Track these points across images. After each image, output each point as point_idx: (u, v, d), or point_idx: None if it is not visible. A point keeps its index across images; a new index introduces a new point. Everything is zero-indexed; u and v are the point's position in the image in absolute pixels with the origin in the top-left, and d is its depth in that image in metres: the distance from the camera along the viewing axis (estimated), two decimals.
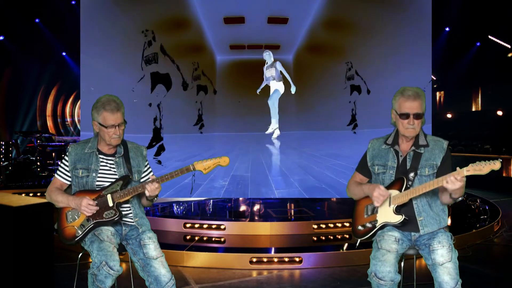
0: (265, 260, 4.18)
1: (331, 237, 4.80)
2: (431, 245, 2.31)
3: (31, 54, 11.43)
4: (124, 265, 2.87)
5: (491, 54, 12.76)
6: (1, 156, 8.43)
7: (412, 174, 2.40)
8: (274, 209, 5.87)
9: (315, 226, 5.04)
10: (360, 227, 2.50)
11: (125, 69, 6.01)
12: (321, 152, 6.56)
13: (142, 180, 2.62)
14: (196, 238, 4.79)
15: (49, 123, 14.07)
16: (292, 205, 6.27)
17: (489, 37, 12.63)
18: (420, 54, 5.94)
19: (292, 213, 6.00)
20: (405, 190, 2.37)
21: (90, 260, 2.35)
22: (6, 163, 8.38)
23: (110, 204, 2.45)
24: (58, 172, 2.58)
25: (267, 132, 6.47)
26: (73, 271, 2.76)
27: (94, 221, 2.44)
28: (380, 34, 6.24)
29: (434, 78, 13.81)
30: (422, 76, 5.94)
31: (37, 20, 11.34)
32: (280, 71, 6.45)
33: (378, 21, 6.24)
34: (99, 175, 2.52)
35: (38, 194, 6.73)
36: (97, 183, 2.50)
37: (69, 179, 2.56)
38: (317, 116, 6.70)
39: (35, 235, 3.25)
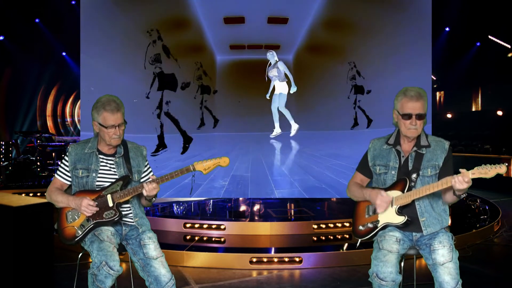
0: (265, 260, 4.18)
1: (331, 237, 4.80)
2: (432, 245, 2.31)
3: (31, 54, 11.43)
4: (124, 265, 2.87)
5: (491, 54, 12.76)
6: (1, 156, 8.43)
7: (414, 175, 2.39)
8: (274, 209, 5.87)
9: (315, 226, 5.04)
10: (361, 227, 2.50)
11: (125, 69, 6.01)
12: (321, 152, 6.55)
13: (142, 180, 2.62)
14: (196, 238, 4.79)
15: (49, 123, 14.07)
16: (292, 205, 6.27)
17: (489, 37, 12.62)
18: (420, 54, 5.94)
19: (292, 213, 6.00)
20: (407, 191, 2.36)
21: (90, 260, 2.35)
22: (6, 163, 8.38)
23: (110, 204, 2.45)
24: (58, 172, 2.58)
25: (272, 135, 6.50)
26: (73, 271, 2.76)
27: (94, 221, 2.44)
28: (380, 34, 6.24)
29: (434, 78, 13.81)
30: (422, 76, 5.94)
31: (37, 20, 11.33)
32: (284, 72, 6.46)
33: (378, 21, 6.24)
34: (99, 175, 2.51)
35: (38, 194, 6.73)
36: (97, 183, 2.50)
37: (69, 179, 2.56)
38: (317, 116, 6.69)
39: (35, 235, 3.25)
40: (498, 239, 5.19)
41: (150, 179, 2.56)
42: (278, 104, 6.49)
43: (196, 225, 5.07)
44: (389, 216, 2.40)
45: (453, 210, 5.86)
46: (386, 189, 2.43)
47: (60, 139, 9.95)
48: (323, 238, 4.81)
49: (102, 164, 2.54)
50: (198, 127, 6.36)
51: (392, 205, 2.40)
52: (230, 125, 6.52)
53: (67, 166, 2.55)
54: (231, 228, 5.03)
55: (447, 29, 12.42)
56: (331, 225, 5.06)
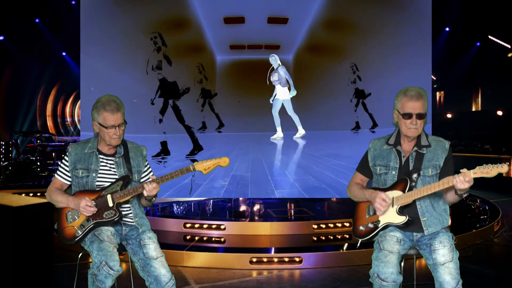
0: (265, 260, 4.18)
1: (331, 237, 4.80)
2: (432, 245, 2.31)
3: (31, 54, 11.43)
4: (124, 265, 2.87)
5: (491, 54, 12.76)
6: (1, 156, 8.43)
7: (415, 175, 2.39)
8: (274, 209, 5.87)
9: (315, 226, 5.04)
10: (361, 228, 2.50)
11: (125, 69, 6.01)
12: (321, 152, 6.56)
13: (142, 180, 2.62)
14: (196, 238, 4.79)
15: (49, 123, 14.07)
16: (292, 205, 6.27)
17: (489, 37, 12.62)
18: (420, 54, 5.95)
19: (292, 213, 5.99)
20: (408, 191, 2.36)
21: (90, 260, 2.35)
22: (6, 163, 8.38)
23: (110, 204, 2.45)
24: (58, 172, 2.58)
25: (296, 137, 6.51)
26: (73, 271, 2.76)
27: (94, 221, 2.44)
28: (380, 34, 6.24)
29: (434, 78, 13.81)
30: (422, 76, 5.94)
31: (37, 20, 11.33)
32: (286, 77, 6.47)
33: (378, 21, 6.24)
34: (99, 175, 2.51)
35: (38, 194, 6.73)
36: (97, 183, 2.50)
37: (69, 179, 2.56)
38: (317, 116, 6.69)
39: (35, 235, 3.25)
40: (498, 239, 5.19)
41: (150, 179, 2.56)
42: (287, 109, 6.50)
43: (196, 225, 5.07)
44: (390, 216, 2.40)
45: (453, 210, 5.83)
46: (387, 189, 2.43)
47: (60, 139, 9.95)
48: (323, 238, 4.81)
49: (102, 164, 2.54)
50: (199, 129, 6.36)
51: (393, 205, 2.39)
52: (230, 125, 6.52)
53: (67, 166, 2.55)
54: (231, 228, 5.02)
55: (447, 29, 12.42)
56: (331, 225, 5.06)
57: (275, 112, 6.50)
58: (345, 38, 6.58)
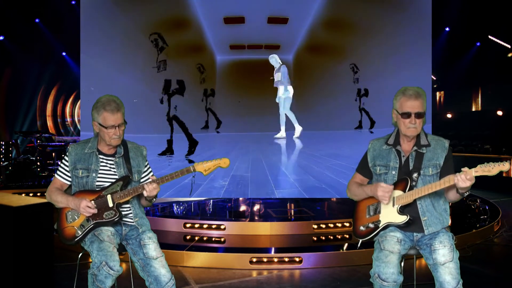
0: (265, 260, 4.18)
1: (331, 237, 4.80)
2: (433, 245, 2.31)
3: (31, 54, 11.43)
4: (124, 265, 2.87)
5: (491, 54, 12.76)
6: (1, 156, 8.42)
7: (415, 175, 2.39)
8: (274, 209, 5.86)
9: (315, 226, 5.04)
10: (362, 228, 2.49)
11: (125, 69, 6.01)
12: (321, 152, 6.56)
13: (142, 180, 2.62)
14: (196, 238, 4.79)
15: (49, 123, 14.07)
16: (292, 205, 6.27)
17: (489, 37, 12.63)
18: (420, 54, 5.95)
19: (292, 213, 5.99)
20: (409, 190, 2.36)
21: (90, 260, 2.35)
22: (6, 163, 8.38)
23: (110, 204, 2.45)
24: (58, 172, 2.58)
25: (295, 137, 6.51)
26: (73, 271, 2.76)
27: (94, 222, 2.44)
28: (380, 34, 6.24)
29: (434, 78, 13.80)
30: (422, 76, 5.94)
31: (37, 20, 11.33)
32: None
33: (378, 21, 6.24)
34: (99, 175, 2.51)
35: (38, 194, 6.72)
36: (97, 183, 2.50)
37: (69, 179, 2.56)
38: (317, 116, 6.70)
39: (35, 235, 3.25)
40: (498, 239, 5.18)
41: (150, 180, 2.56)
42: (284, 108, 6.50)
43: (196, 225, 5.07)
44: (390, 216, 2.40)
45: (453, 210, 5.83)
46: None
47: (60, 139, 9.95)
48: (323, 238, 4.81)
49: (102, 164, 2.54)
50: (202, 127, 6.37)
51: (393, 205, 2.39)
52: (230, 125, 6.53)
53: (67, 166, 2.55)
54: (231, 228, 5.02)
55: (447, 29, 12.42)
56: (331, 225, 5.06)
57: (281, 111, 6.49)
58: (345, 38, 6.58)
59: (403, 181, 2.39)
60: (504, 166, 2.08)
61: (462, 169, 2.14)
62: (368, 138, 2.64)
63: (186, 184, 5.86)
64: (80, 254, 2.60)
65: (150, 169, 2.67)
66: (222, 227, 5.01)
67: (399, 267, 2.28)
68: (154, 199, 2.54)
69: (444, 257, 2.24)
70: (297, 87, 6.50)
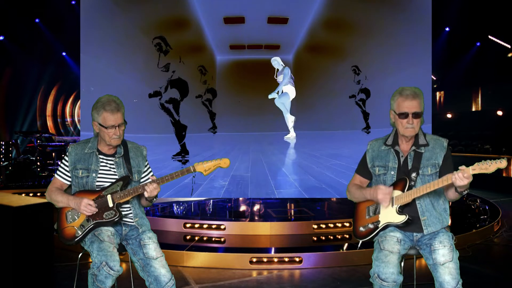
0: (265, 260, 4.18)
1: (331, 237, 4.80)
2: (432, 245, 2.31)
3: (31, 54, 11.44)
4: (124, 265, 2.87)
5: (491, 54, 12.77)
6: (1, 156, 8.43)
7: (414, 174, 2.40)
8: (274, 209, 5.87)
9: (315, 226, 5.04)
10: (362, 228, 2.50)
11: (125, 69, 6.01)
12: (321, 152, 6.56)
13: (142, 180, 2.62)
14: (196, 238, 4.79)
15: (49, 123, 14.08)
16: (292, 205, 6.27)
17: (489, 37, 12.63)
18: (420, 54, 5.95)
19: (292, 213, 6.00)
20: (408, 190, 2.36)
21: (90, 260, 2.35)
22: (6, 163, 8.38)
23: (110, 204, 2.45)
24: (58, 172, 2.58)
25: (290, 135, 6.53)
26: (73, 271, 2.76)
27: (94, 222, 2.44)
28: (380, 34, 6.24)
29: (434, 78, 13.81)
30: (422, 76, 5.94)
31: (37, 20, 11.34)
32: (291, 76, 6.47)
33: (378, 21, 6.24)
34: (99, 175, 2.51)
35: (38, 194, 6.73)
36: (97, 183, 2.50)
37: (69, 179, 2.56)
38: (317, 116, 6.70)
39: (35, 235, 3.25)
40: (498, 239, 5.18)
41: (150, 180, 2.56)
42: (278, 99, 6.48)
43: (196, 225, 5.07)
44: (390, 216, 2.40)
45: (453, 210, 5.85)
46: None
47: (60, 139, 9.95)
48: (323, 238, 4.81)
49: (102, 164, 2.54)
50: (210, 129, 6.38)
51: (392, 205, 2.40)
52: (230, 125, 6.52)
53: (67, 166, 2.55)
54: (231, 228, 5.02)
55: (447, 29, 12.42)
56: (331, 225, 5.06)
57: (278, 102, 6.49)
58: (345, 38, 6.58)
59: (401, 181, 2.40)
60: (501, 163, 2.08)
61: (460, 167, 2.14)
62: (368, 138, 2.64)
63: (186, 184, 5.86)
64: (80, 254, 2.60)
65: (150, 169, 2.67)
66: (222, 227, 5.01)
67: (398, 267, 2.28)
68: (154, 199, 2.54)
69: (444, 257, 2.24)
70: (297, 87, 6.50)
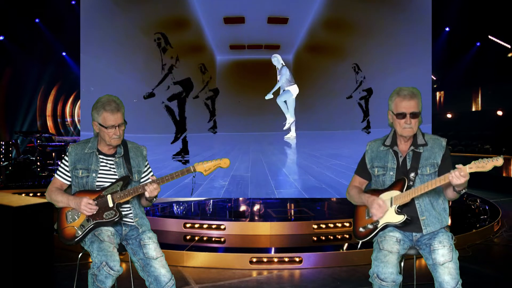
0: (265, 260, 4.18)
1: (331, 237, 4.80)
2: (432, 245, 2.31)
3: (31, 54, 11.44)
4: (124, 265, 2.87)
5: (491, 54, 12.77)
6: (1, 156, 8.43)
7: (413, 174, 2.40)
8: (274, 209, 5.87)
9: (315, 226, 5.04)
10: (361, 229, 2.50)
11: (125, 69, 6.01)
12: (321, 152, 6.56)
13: (142, 180, 2.62)
14: (196, 238, 4.79)
15: (49, 123, 14.08)
16: (292, 205, 6.27)
17: (489, 37, 12.63)
18: (420, 54, 5.95)
19: (292, 213, 6.00)
20: (406, 190, 2.37)
21: (90, 260, 2.35)
22: (6, 163, 8.38)
23: (110, 204, 2.45)
24: (58, 172, 2.58)
25: (285, 128, 6.50)
26: (73, 271, 2.76)
27: (94, 222, 2.44)
28: (380, 34, 6.24)
29: (434, 78, 13.81)
30: (422, 76, 5.94)
31: (37, 20, 11.34)
32: (291, 75, 6.47)
33: (378, 21, 6.24)
34: (99, 175, 2.51)
35: (38, 194, 6.73)
36: (97, 183, 2.50)
37: (69, 179, 2.56)
38: (317, 116, 6.70)
39: (35, 235, 3.25)
40: (498, 239, 5.18)
41: (150, 180, 2.56)
42: (279, 97, 6.48)
43: (196, 225, 5.07)
44: (388, 216, 2.41)
45: (453, 210, 5.86)
46: (385, 190, 2.43)
47: (60, 139, 9.95)
48: (323, 238, 4.81)
49: (102, 164, 2.54)
50: (210, 128, 6.37)
51: (391, 205, 2.40)
52: (230, 125, 6.52)
53: (67, 166, 2.55)
54: (231, 228, 5.03)
55: (447, 29, 12.43)
56: (331, 225, 5.06)
57: (279, 100, 6.49)
58: (345, 38, 6.58)
59: (400, 181, 2.40)
60: (497, 161, 2.09)
61: (457, 166, 2.14)
62: (368, 138, 2.64)
63: (186, 184, 5.86)
64: (80, 254, 2.60)
65: (150, 169, 2.67)
66: (222, 227, 5.02)
67: (398, 267, 2.28)
68: (154, 199, 2.54)
69: (444, 257, 2.24)
70: (297, 87, 6.50)
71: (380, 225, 2.42)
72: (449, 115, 15.24)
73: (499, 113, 13.22)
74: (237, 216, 5.46)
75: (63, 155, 8.20)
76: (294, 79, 6.49)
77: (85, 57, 5.73)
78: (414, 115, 2.37)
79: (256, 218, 5.42)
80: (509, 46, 12.46)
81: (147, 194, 2.43)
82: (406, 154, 2.45)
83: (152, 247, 2.48)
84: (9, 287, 3.13)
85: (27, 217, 3.20)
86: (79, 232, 2.45)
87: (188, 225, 5.09)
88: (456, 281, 2.19)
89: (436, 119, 12.11)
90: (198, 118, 6.37)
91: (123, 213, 2.53)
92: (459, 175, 2.12)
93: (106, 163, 2.55)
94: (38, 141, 9.06)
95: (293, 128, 6.51)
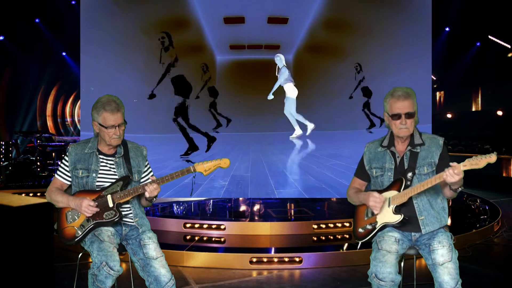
0: (265, 260, 4.18)
1: (331, 237, 4.81)
2: (431, 245, 2.31)
3: (31, 54, 11.44)
4: (124, 265, 2.87)
5: (491, 54, 12.77)
6: (1, 156, 8.43)
7: (410, 174, 2.40)
8: (274, 209, 5.87)
9: (315, 226, 5.04)
10: (361, 230, 2.51)
11: (125, 69, 6.02)
12: (321, 152, 6.56)
13: (142, 180, 2.62)
14: (196, 238, 4.79)
15: (49, 123, 14.08)
16: (292, 205, 6.27)
17: (489, 37, 12.63)
18: (420, 54, 5.95)
19: (292, 213, 6.00)
20: (404, 190, 2.37)
21: (90, 260, 2.35)
22: (6, 163, 8.38)
23: (110, 204, 2.45)
24: (58, 172, 2.58)
25: (292, 137, 6.50)
26: (73, 271, 2.77)
27: (94, 222, 2.44)
28: (380, 34, 6.24)
29: (434, 78, 13.81)
30: (422, 76, 5.94)
31: (37, 20, 11.34)
32: (290, 74, 6.47)
33: (378, 21, 6.24)
34: (99, 175, 2.51)
35: (38, 194, 6.73)
36: (97, 183, 2.50)
37: (69, 179, 2.56)
38: (317, 116, 6.69)
39: (35, 235, 3.25)
40: (498, 239, 5.18)
41: (150, 180, 2.56)
42: (284, 108, 6.50)
43: (196, 225, 5.07)
44: (386, 216, 2.41)
45: (453, 210, 5.87)
46: (383, 190, 2.44)
47: (60, 139, 9.95)
48: (323, 238, 4.81)
49: (102, 164, 2.54)
50: (214, 128, 6.37)
51: (389, 205, 2.40)
52: (230, 125, 6.52)
53: (67, 166, 2.55)
54: (231, 228, 5.03)
55: (447, 29, 12.43)
56: (331, 225, 5.06)
57: (286, 112, 6.49)
58: (345, 38, 6.58)
59: (398, 181, 2.41)
60: (491, 158, 2.10)
61: (451, 163, 2.14)
62: (369, 138, 2.64)
63: (186, 184, 5.86)
64: (80, 254, 2.60)
65: (150, 169, 2.67)
66: (222, 227, 5.02)
67: (396, 266, 2.28)
68: (154, 199, 2.54)
69: (443, 257, 2.24)
70: (297, 87, 6.50)
71: (378, 226, 2.43)
72: (449, 115, 15.24)
73: (499, 113, 13.22)
74: (237, 216, 5.46)
75: (63, 155, 8.20)
76: (293, 79, 6.48)
77: (85, 57, 5.73)
78: (409, 115, 2.37)
79: (256, 218, 5.42)
80: (509, 46, 12.46)
81: (147, 194, 2.43)
82: (403, 154, 2.45)
83: (152, 247, 2.48)
84: (9, 287, 3.13)
85: (27, 217, 3.20)
86: (79, 232, 2.45)
87: (188, 225, 5.09)
88: (455, 281, 2.19)
89: (436, 119, 12.09)
90: (198, 118, 6.37)
91: (123, 213, 2.53)
92: (453, 173, 2.13)
93: (106, 163, 2.55)
94: (38, 141, 9.06)
95: (297, 127, 6.49)
